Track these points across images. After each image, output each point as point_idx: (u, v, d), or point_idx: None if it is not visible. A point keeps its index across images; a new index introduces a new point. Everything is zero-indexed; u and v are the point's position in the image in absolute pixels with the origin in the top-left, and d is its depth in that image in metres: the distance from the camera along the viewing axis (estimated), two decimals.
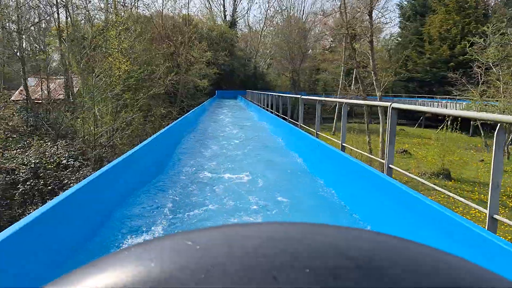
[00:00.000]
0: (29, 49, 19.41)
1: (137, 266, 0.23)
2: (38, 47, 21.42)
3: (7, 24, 14.26)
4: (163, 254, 0.24)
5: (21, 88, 18.74)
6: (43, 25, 20.90)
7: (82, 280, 0.23)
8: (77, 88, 17.45)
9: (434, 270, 0.24)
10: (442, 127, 39.45)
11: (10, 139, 11.53)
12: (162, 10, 26.21)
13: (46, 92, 16.88)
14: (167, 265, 0.23)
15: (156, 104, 18.10)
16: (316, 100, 8.37)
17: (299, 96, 9.99)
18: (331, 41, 60.23)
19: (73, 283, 0.23)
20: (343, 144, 5.80)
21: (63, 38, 17.39)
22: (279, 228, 0.27)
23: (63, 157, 10.56)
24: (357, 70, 20.66)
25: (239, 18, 51.87)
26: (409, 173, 4.18)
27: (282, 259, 0.24)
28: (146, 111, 17.54)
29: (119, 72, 13.88)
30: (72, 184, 9.64)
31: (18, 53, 14.23)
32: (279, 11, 47.58)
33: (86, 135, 11.29)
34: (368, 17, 17.27)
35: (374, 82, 17.51)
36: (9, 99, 16.04)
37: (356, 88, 23.58)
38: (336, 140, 6.59)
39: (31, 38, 21.31)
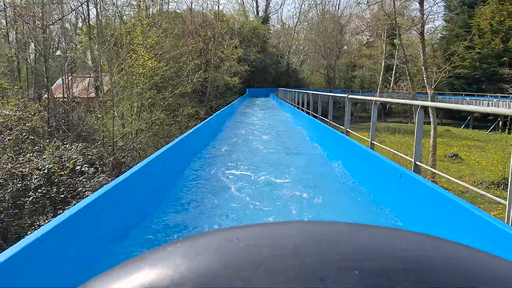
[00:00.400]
0: (56, 47, 19.09)
1: (183, 262, 0.23)
2: (67, 44, 21.17)
3: (31, 20, 13.74)
4: (209, 250, 0.24)
5: (54, 86, 18.43)
6: (71, 22, 20.55)
7: (127, 275, 0.23)
8: (108, 87, 16.84)
9: (486, 274, 0.23)
10: (493, 128, 36.09)
11: (28, 141, 10.80)
12: (191, 4, 25.28)
13: (70, 91, 16.23)
14: (214, 262, 0.23)
15: (184, 103, 17.10)
16: (365, 99, 7.02)
17: (345, 95, 8.42)
18: (369, 36, 57.46)
19: (118, 278, 0.23)
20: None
21: (93, 36, 16.80)
22: (323, 227, 0.27)
23: (79, 162, 9.65)
24: (406, 65, 18.57)
25: (272, 14, 50.35)
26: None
27: (329, 259, 0.23)
28: (173, 110, 16.57)
29: (144, 70, 12.91)
30: (87, 193, 8.69)
31: (42, 50, 13.65)
32: (314, 5, 45.60)
33: (105, 138, 10.35)
34: (419, 5, 15.30)
35: (425, 79, 15.50)
36: (35, 98, 15.58)
37: (404, 85, 21.43)
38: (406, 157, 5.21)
39: (59, 36, 21.08)
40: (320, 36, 38.79)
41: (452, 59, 42.15)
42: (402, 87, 22.01)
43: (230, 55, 31.04)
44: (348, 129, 7.11)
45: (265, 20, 42.44)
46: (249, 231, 0.26)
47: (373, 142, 5.69)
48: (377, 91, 46.05)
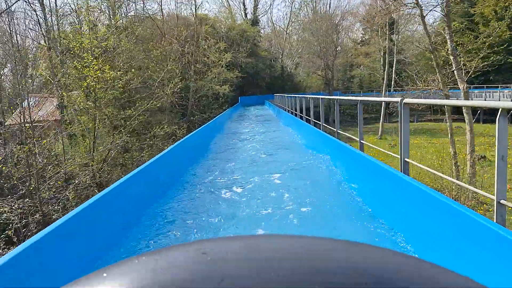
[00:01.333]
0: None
1: (148, 276, 0.23)
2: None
3: None
4: (175, 264, 0.24)
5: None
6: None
7: None
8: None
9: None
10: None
11: None
12: (161, 5, 22.34)
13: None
14: (178, 276, 0.23)
15: (158, 121, 14.15)
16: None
17: (358, 99, 5.67)
18: (363, 33, 54.84)
19: None
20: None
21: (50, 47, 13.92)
22: (291, 242, 0.27)
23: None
24: (433, 54, 15.64)
25: (261, 16, 47.69)
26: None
27: (293, 275, 0.23)
28: (147, 130, 13.60)
29: (98, 81, 9.98)
30: None
31: None
32: (305, 3, 42.96)
33: (32, 185, 7.28)
34: None
35: (455, 71, 12.65)
36: None
37: (432, 80, 18.53)
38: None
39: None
40: (314, 35, 36.06)
41: (459, 50, 39.52)
42: (430, 82, 19.00)
43: (217, 61, 28.23)
44: (362, 140, 5.68)
45: (254, 22, 39.77)
46: (217, 245, 0.26)
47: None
48: (379, 90, 43.32)
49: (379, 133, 28.88)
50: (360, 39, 54.44)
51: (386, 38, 32.15)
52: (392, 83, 39.63)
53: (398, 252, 0.27)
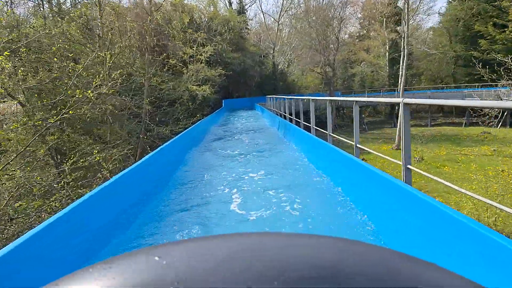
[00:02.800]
0: None
1: (101, 285, 0.23)
2: None
3: None
4: (129, 270, 0.24)
5: None
6: None
7: None
8: None
9: (400, 277, 0.24)
10: None
11: None
12: None
13: None
14: (133, 282, 0.23)
15: (90, 144, 8.30)
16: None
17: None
18: (359, 27, 49.68)
19: None
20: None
21: None
22: (247, 240, 0.27)
23: None
24: None
25: (248, 5, 42.08)
26: None
27: (249, 273, 0.23)
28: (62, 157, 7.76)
29: None
30: None
31: None
32: None
33: None
34: None
35: None
36: None
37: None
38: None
39: None
40: (312, 25, 30.48)
41: (476, 42, 34.55)
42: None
43: (198, 55, 22.39)
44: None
45: (241, 12, 34.02)
46: (172, 249, 0.26)
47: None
48: (385, 89, 38.05)
49: (396, 141, 23.38)
50: (358, 33, 49.32)
51: (404, 27, 26.80)
52: (401, 80, 34.38)
53: (353, 240, 0.27)
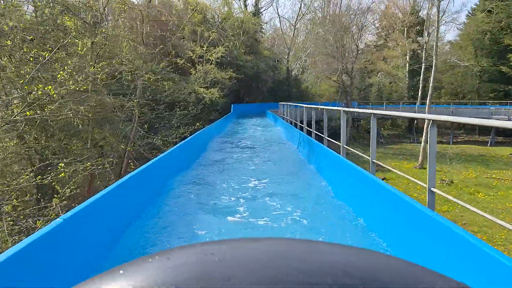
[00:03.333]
0: None
1: (160, 274, 0.24)
2: None
3: None
4: (186, 263, 0.25)
5: None
6: None
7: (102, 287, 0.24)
8: None
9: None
10: None
11: None
12: None
13: None
14: (190, 274, 0.24)
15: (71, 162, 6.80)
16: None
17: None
18: (376, 37, 47.93)
19: None
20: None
21: None
22: (292, 245, 0.28)
23: None
24: None
25: (264, 9, 40.84)
26: None
27: (293, 276, 0.24)
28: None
29: None
30: None
31: None
32: None
33: None
34: None
35: None
36: None
37: None
38: None
39: None
40: (330, 31, 28.91)
41: (504, 56, 32.66)
42: None
43: (208, 55, 20.95)
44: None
45: (256, 15, 32.65)
46: (224, 246, 0.27)
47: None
48: (405, 102, 36.21)
49: (420, 160, 21.46)
50: (376, 43, 47.63)
51: (431, 36, 25.15)
52: (420, 93, 32.60)
53: (379, 253, 0.27)
